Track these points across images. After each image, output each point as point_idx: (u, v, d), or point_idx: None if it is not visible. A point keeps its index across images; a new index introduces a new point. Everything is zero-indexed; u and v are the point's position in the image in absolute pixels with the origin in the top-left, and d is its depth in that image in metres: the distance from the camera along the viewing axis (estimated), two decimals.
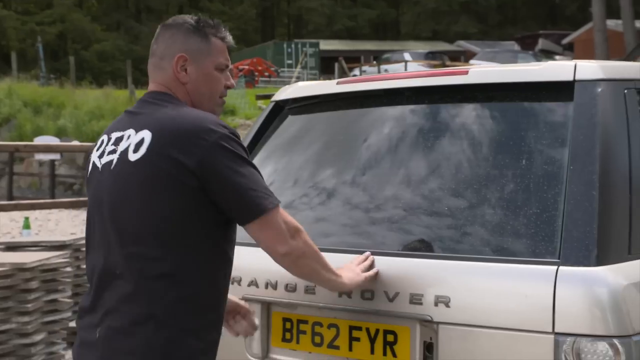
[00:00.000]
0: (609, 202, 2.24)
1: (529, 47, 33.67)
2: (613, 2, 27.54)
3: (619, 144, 2.35)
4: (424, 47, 38.13)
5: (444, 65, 24.46)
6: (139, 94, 20.83)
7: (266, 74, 32.00)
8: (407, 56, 32.03)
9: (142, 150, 2.01)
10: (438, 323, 2.28)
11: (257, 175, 2.04)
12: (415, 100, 2.80)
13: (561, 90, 2.45)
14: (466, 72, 2.65)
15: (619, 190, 2.28)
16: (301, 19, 54.26)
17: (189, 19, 2.20)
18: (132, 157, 2.02)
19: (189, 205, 1.98)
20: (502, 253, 2.30)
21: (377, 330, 2.40)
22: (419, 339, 2.31)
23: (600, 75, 2.43)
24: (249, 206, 1.99)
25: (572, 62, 2.51)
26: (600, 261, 2.15)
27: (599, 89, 2.40)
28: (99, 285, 2.04)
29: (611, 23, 27.63)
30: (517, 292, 2.19)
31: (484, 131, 2.57)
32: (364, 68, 30.45)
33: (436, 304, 2.28)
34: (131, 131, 2.07)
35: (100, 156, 2.13)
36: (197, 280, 2.01)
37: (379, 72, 26.10)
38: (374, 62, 33.37)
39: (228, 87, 2.23)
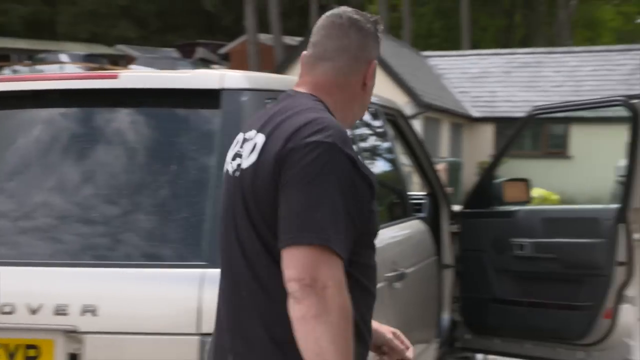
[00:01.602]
0: None
1: (188, 55, 34.36)
2: (265, 17, 29.29)
3: None
4: (82, 49, 36.85)
5: (103, 69, 23.91)
6: None
7: None
8: (64, 57, 30.65)
9: (254, 156, 1.72)
10: (84, 333, 2.22)
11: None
12: (66, 103, 2.69)
13: (209, 98, 2.53)
14: (116, 76, 2.62)
15: None
16: None
17: (371, 20, 1.87)
18: (244, 163, 1.74)
19: None
20: (151, 258, 2.31)
21: (17, 347, 2.26)
22: (63, 351, 2.23)
23: (245, 85, 2.56)
24: (287, 228, 1.64)
25: (219, 71, 2.61)
26: None
27: (244, 98, 2.52)
28: None
29: (263, 36, 29.36)
30: (165, 296, 2.22)
31: (136, 137, 2.56)
32: (17, 67, 28.52)
33: (83, 314, 2.22)
34: (253, 133, 1.77)
35: (232, 158, 1.82)
36: None
37: (33, 72, 24.63)
38: (28, 61, 31.44)
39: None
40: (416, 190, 5.10)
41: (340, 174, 1.63)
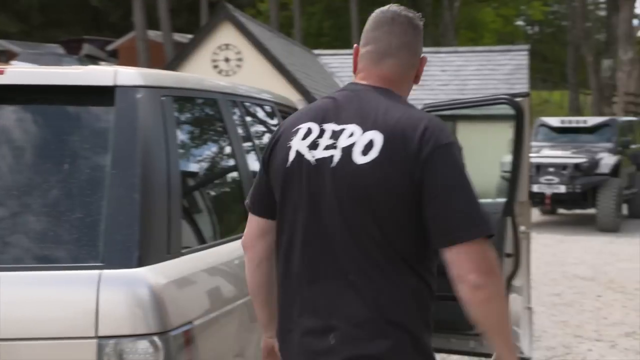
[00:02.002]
0: (149, 205, 2.32)
1: (73, 51, 33.19)
2: (154, 13, 28.72)
3: (158, 149, 2.46)
4: None
5: None
6: None
7: None
8: None
9: (374, 154, 1.80)
10: None
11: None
12: None
13: (103, 95, 2.47)
14: (2, 72, 2.50)
15: (159, 193, 2.39)
16: None
17: (420, 18, 2.05)
18: (359, 160, 1.82)
19: (409, 215, 1.81)
20: (45, 261, 2.23)
21: None
22: None
23: (140, 82, 2.51)
24: (459, 229, 1.78)
25: (112, 68, 2.55)
26: (142, 262, 2.22)
27: (139, 95, 2.47)
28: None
29: (152, 33, 28.79)
30: (61, 299, 2.15)
31: (25, 135, 2.46)
32: None
33: None
34: (355, 128, 1.86)
35: (312, 147, 1.88)
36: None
37: None
38: None
39: None
40: None
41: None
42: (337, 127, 1.88)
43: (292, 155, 1.91)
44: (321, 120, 1.92)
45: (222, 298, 2.57)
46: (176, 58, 18.89)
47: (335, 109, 1.92)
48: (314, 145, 1.88)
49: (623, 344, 6.05)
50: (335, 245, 1.85)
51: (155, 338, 2.15)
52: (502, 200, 4.04)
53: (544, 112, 29.66)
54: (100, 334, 2.12)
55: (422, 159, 1.78)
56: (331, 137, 1.87)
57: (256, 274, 2.11)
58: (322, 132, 1.90)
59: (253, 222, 2.08)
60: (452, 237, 1.76)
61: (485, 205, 4.24)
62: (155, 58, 26.33)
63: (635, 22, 29.60)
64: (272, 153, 1.99)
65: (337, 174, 1.84)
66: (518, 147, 3.95)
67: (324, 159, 1.86)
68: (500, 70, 21.52)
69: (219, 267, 2.63)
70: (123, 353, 2.13)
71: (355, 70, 2.02)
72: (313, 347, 1.87)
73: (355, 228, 1.83)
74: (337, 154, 1.85)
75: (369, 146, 1.82)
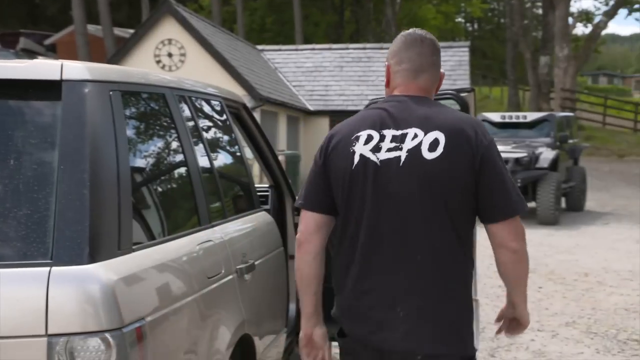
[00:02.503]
0: (99, 201, 2.29)
1: (10, 45, 32.44)
2: (93, 7, 28.19)
3: (107, 143, 2.42)
4: None
5: None
6: None
7: None
8: None
9: (439, 150, 2.23)
10: None
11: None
12: None
13: (49, 89, 2.42)
14: None
15: (109, 189, 2.35)
16: None
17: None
18: (429, 155, 2.24)
19: (468, 201, 2.27)
20: None
21: None
22: None
23: (87, 76, 2.47)
24: (504, 206, 2.27)
25: (59, 62, 2.49)
26: (93, 259, 2.19)
27: (86, 90, 2.43)
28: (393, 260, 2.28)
29: (92, 28, 28.25)
30: (9, 297, 2.10)
31: None
32: None
33: None
34: (416, 130, 2.28)
35: (376, 150, 2.29)
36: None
37: None
38: None
39: None
40: (259, 183, 5.12)
41: None
42: (397, 132, 2.30)
43: (356, 159, 2.30)
44: (379, 127, 2.32)
45: (173, 294, 2.55)
46: (117, 53, 18.59)
47: (390, 117, 2.33)
48: (377, 149, 2.29)
49: (563, 334, 6.22)
50: (405, 231, 2.26)
51: (107, 335, 2.12)
52: None
53: (484, 107, 30.19)
54: (50, 332, 2.08)
55: (480, 153, 2.24)
56: (392, 141, 2.29)
57: (312, 266, 2.39)
58: (382, 137, 2.30)
59: (309, 218, 2.38)
60: (501, 215, 2.26)
61: None
62: (96, 53, 25.86)
63: (570, 20, 30.32)
64: (330, 158, 2.36)
65: (406, 170, 2.25)
66: None
67: (388, 159, 2.27)
68: (442, 66, 21.77)
69: (169, 264, 2.61)
70: (74, 351, 2.10)
71: (388, 84, 2.47)
72: (383, 319, 2.27)
73: (426, 214, 2.25)
74: (403, 154, 2.26)
75: (434, 144, 2.25)
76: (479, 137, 2.26)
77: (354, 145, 2.31)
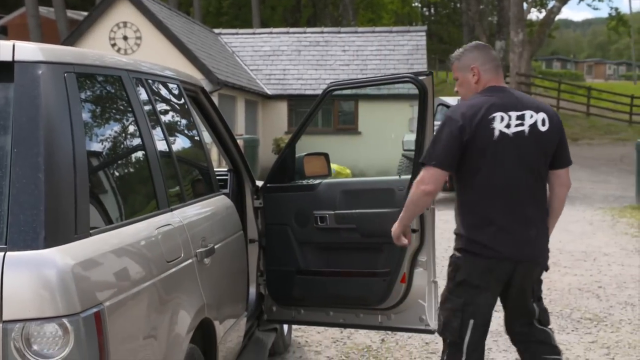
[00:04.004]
0: (55, 184, 2.24)
1: None
2: None
3: (62, 126, 2.37)
4: None
5: None
6: None
7: None
8: None
9: (547, 125, 3.43)
10: None
11: None
12: None
13: (1, 71, 2.36)
14: None
15: (64, 172, 2.30)
16: None
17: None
18: (542, 128, 3.42)
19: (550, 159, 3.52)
20: None
21: None
22: None
23: (40, 57, 2.41)
24: (568, 159, 3.58)
25: (10, 42, 2.43)
26: (49, 243, 2.15)
27: (40, 71, 2.37)
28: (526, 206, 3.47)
29: (44, 10, 27.68)
30: None
31: None
32: None
33: None
34: (531, 112, 3.43)
35: (507, 127, 3.37)
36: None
37: None
38: None
39: None
40: (218, 167, 5.08)
41: None
42: (518, 113, 3.40)
43: (496, 133, 3.35)
44: (504, 110, 3.38)
45: (132, 279, 2.52)
46: (71, 36, 18.23)
47: (510, 102, 3.43)
48: (508, 126, 3.37)
49: None
50: (530, 178, 3.41)
51: (65, 320, 2.09)
52: (407, 177, 4.13)
53: (441, 92, 30.39)
54: (5, 318, 2.05)
55: (561, 128, 3.51)
56: (517, 119, 3.38)
57: (428, 203, 3.55)
58: (510, 117, 3.38)
59: (440, 175, 3.36)
60: (567, 163, 3.55)
61: (391, 182, 4.34)
62: (48, 35, 25.35)
63: (525, 5, 30.63)
64: (474, 134, 3.33)
65: (530, 139, 3.39)
66: (422, 125, 4.03)
67: (517, 132, 3.37)
68: (399, 50, 21.87)
69: (127, 248, 2.58)
70: (31, 337, 2.06)
71: (478, 80, 3.51)
72: (524, 237, 3.40)
73: (540, 166, 3.44)
74: (526, 128, 3.38)
75: (543, 121, 3.42)
76: (558, 118, 3.49)
77: (492, 124, 3.35)
